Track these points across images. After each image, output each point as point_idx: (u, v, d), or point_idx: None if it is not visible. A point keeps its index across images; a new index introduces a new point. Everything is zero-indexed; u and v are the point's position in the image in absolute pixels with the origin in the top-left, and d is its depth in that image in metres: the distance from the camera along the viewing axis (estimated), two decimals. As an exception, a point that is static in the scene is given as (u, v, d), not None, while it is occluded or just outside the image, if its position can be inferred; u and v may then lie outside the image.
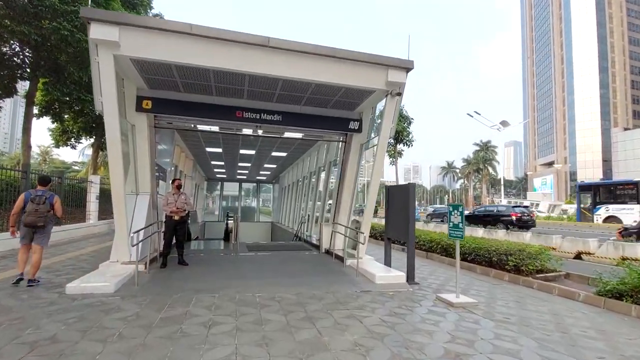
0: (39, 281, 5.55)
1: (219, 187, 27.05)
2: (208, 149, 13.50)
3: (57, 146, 23.72)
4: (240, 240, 10.24)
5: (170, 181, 7.52)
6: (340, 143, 9.45)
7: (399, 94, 6.68)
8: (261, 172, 20.95)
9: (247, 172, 20.63)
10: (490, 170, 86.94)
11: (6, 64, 15.56)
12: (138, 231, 5.89)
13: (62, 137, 22.62)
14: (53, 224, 5.77)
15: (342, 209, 8.92)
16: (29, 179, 11.73)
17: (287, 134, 8.81)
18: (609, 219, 24.43)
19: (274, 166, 18.04)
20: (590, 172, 74.03)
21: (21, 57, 16.06)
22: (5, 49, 15.43)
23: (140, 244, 6.07)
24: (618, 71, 76.71)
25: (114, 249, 6.57)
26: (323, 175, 12.07)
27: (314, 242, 11.08)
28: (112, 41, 5.27)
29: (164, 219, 7.24)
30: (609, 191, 25.87)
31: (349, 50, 6.28)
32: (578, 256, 10.81)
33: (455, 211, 5.75)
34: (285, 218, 19.67)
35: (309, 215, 13.41)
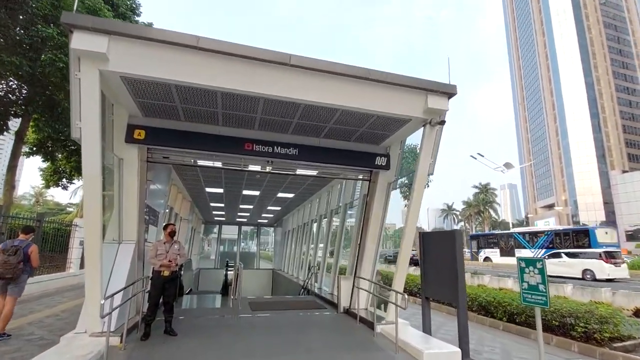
0: (9, 335, 5.53)
1: (216, 230, 25.43)
2: (208, 189, 12.27)
3: (47, 187, 22.47)
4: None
5: (162, 226, 6.18)
6: (362, 182, 8.28)
7: (442, 123, 5.63)
8: (263, 215, 19.57)
9: (248, 214, 19.25)
10: (492, 212, 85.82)
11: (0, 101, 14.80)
12: (113, 295, 4.45)
13: (53, 177, 21.41)
14: (27, 275, 5.74)
15: (366, 259, 7.51)
16: (4, 223, 10.50)
17: (300, 171, 7.59)
18: (486, 259, 35.64)
19: (278, 208, 16.74)
20: (593, 214, 73.24)
21: (17, 94, 15.37)
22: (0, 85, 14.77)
23: (116, 309, 4.63)
24: (609, 116, 78.76)
25: (83, 316, 5.05)
26: (336, 218, 10.76)
27: (328, 297, 9.49)
28: (99, 53, 4.25)
29: (150, 274, 5.81)
30: (485, 239, 37.36)
31: (383, 71, 5.32)
32: (637, 313, 9.23)
33: (531, 268, 4.41)
34: (289, 265, 17.94)
35: (319, 264, 11.87)
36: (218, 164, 6.71)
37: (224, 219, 21.73)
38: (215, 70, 4.75)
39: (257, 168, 6.96)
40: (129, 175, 6.04)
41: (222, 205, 15.97)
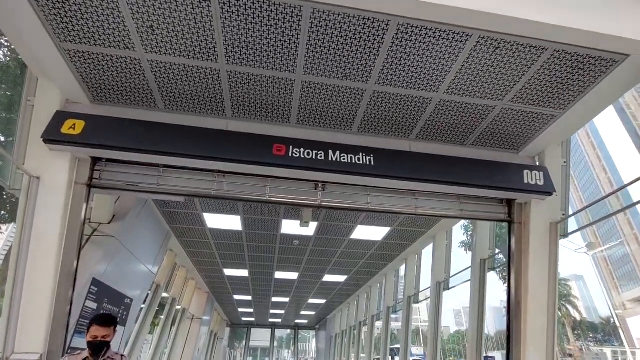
0: None
1: (244, 335, 20.80)
2: (227, 272, 8.91)
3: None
4: None
5: (90, 323, 2.81)
6: (478, 235, 4.75)
7: None
8: (302, 313, 15.27)
9: (283, 312, 15.07)
10: (570, 309, 71.30)
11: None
12: None
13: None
14: None
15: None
16: None
17: (376, 205, 3.90)
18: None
19: (322, 302, 12.64)
20: None
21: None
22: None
23: None
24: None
25: None
26: (421, 308, 6.77)
27: None
28: None
29: None
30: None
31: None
32: None
33: None
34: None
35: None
36: (223, 190, 3.53)
37: (253, 319, 17.46)
38: None
39: (295, 200, 3.66)
40: (46, 211, 3.05)
41: (250, 298, 12.24)
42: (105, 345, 2.59)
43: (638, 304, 76.18)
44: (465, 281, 5.41)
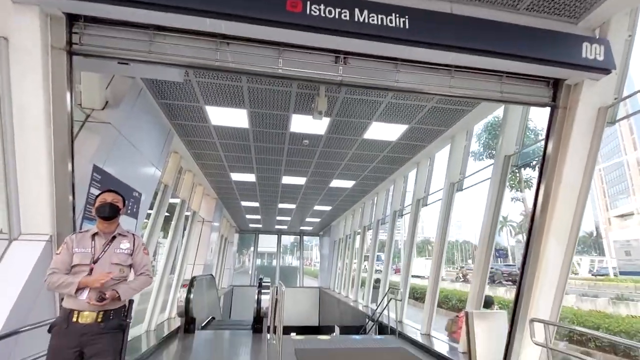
0: None
1: (252, 242, 22.25)
2: (234, 176, 8.84)
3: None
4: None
5: (96, 197, 2.62)
6: (510, 121, 4.39)
7: None
8: (307, 220, 15.91)
9: (288, 219, 15.70)
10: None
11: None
12: None
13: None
14: None
15: (543, 281, 3.48)
16: None
17: (407, 77, 3.24)
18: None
19: (328, 209, 12.99)
20: (688, 223, 61.66)
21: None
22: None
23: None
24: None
25: None
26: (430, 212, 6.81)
27: (420, 339, 5.59)
28: None
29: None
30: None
31: None
32: None
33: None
34: (342, 284, 14.03)
35: (394, 286, 7.92)
36: (227, 61, 2.98)
37: (260, 225, 18.36)
38: None
39: (313, 75, 3.15)
40: (24, 80, 2.62)
41: (257, 205, 12.55)
42: (116, 210, 2.41)
43: (622, 219, 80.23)
44: (484, 180, 5.23)
